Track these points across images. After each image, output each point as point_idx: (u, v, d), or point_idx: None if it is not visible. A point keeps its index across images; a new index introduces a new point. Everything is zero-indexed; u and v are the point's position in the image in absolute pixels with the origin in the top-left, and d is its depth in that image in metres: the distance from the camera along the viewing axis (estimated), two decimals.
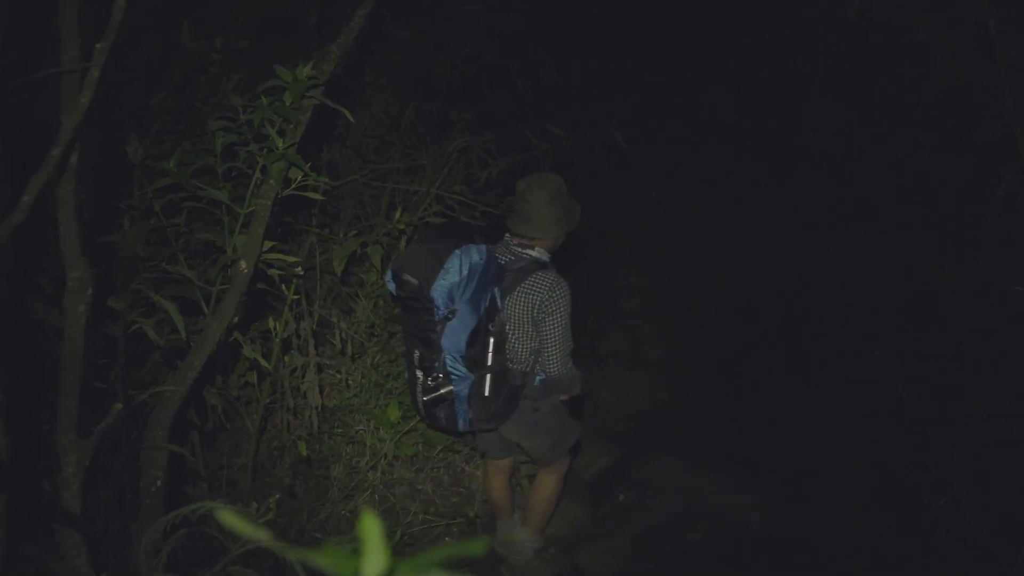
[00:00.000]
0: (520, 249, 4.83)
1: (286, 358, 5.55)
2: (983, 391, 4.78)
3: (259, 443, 5.41)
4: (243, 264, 3.92)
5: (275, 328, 5.03)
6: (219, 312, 3.90)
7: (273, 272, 4.38)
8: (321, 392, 5.88)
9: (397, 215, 6.05)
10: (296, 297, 5.16)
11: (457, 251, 4.53)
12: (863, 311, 6.76)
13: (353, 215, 6.52)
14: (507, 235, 4.92)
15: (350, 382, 6.18)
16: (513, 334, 4.80)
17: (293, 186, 4.21)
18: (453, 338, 4.60)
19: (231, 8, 5.88)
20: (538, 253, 4.81)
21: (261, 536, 0.89)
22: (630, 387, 7.81)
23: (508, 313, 4.77)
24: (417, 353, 4.71)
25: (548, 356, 4.76)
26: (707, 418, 7.38)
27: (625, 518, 5.67)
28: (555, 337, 4.71)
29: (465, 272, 4.52)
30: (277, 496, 3.61)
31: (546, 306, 4.65)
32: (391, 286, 4.74)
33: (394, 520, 5.62)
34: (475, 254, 4.56)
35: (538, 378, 4.91)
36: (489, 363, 4.65)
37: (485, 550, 0.91)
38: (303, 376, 5.71)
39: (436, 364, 4.67)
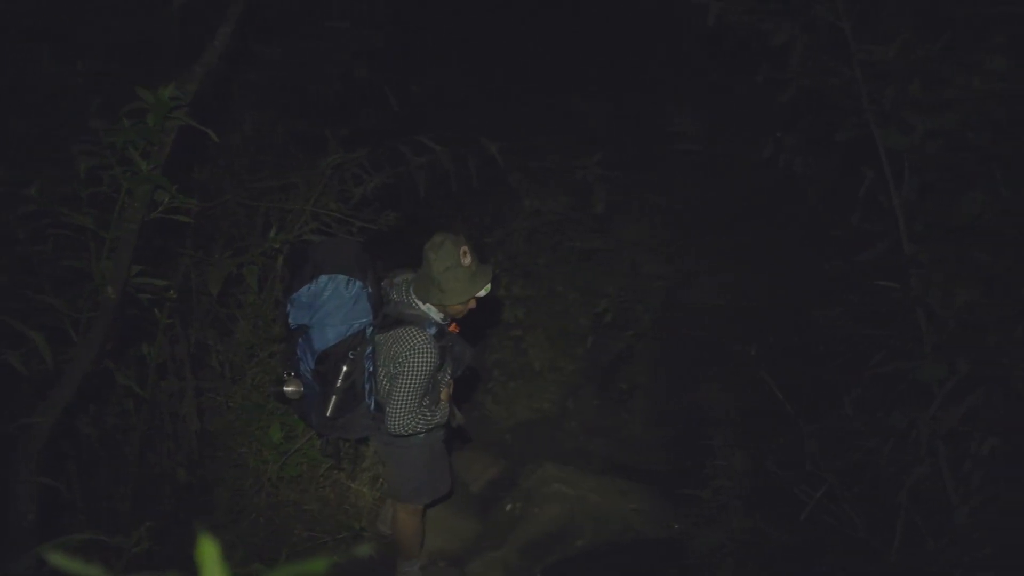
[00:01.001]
0: (415, 297, 4.76)
1: (163, 383, 5.47)
2: (853, 387, 4.90)
3: (139, 471, 5.32)
4: (110, 290, 3.86)
5: (149, 353, 4.95)
6: (87, 340, 3.83)
7: (144, 296, 4.31)
8: (201, 416, 5.81)
9: (272, 234, 6.00)
10: (169, 321, 5.09)
11: (326, 277, 4.62)
12: (739, 312, 6.89)
13: (228, 235, 6.44)
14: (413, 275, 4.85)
15: (231, 404, 6.09)
16: (379, 369, 4.78)
17: (160, 208, 4.15)
18: (306, 350, 4.73)
19: (93, 31, 5.77)
20: (427, 309, 4.74)
21: (91, 572, 0.88)
22: (515, 397, 7.84)
23: (376, 348, 4.75)
24: (287, 346, 4.89)
25: (389, 409, 4.67)
26: (590, 425, 7.45)
27: (513, 528, 5.69)
28: (398, 396, 4.63)
29: (325, 296, 4.63)
30: (149, 524, 3.55)
31: (400, 363, 4.59)
32: None
33: (280, 541, 5.56)
34: (343, 286, 4.64)
35: None
36: (338, 385, 4.69)
37: (325, 569, 0.91)
38: (181, 401, 5.63)
39: (290, 363, 4.83)
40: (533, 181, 8.86)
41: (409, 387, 4.61)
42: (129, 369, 5.03)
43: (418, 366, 4.58)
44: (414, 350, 4.57)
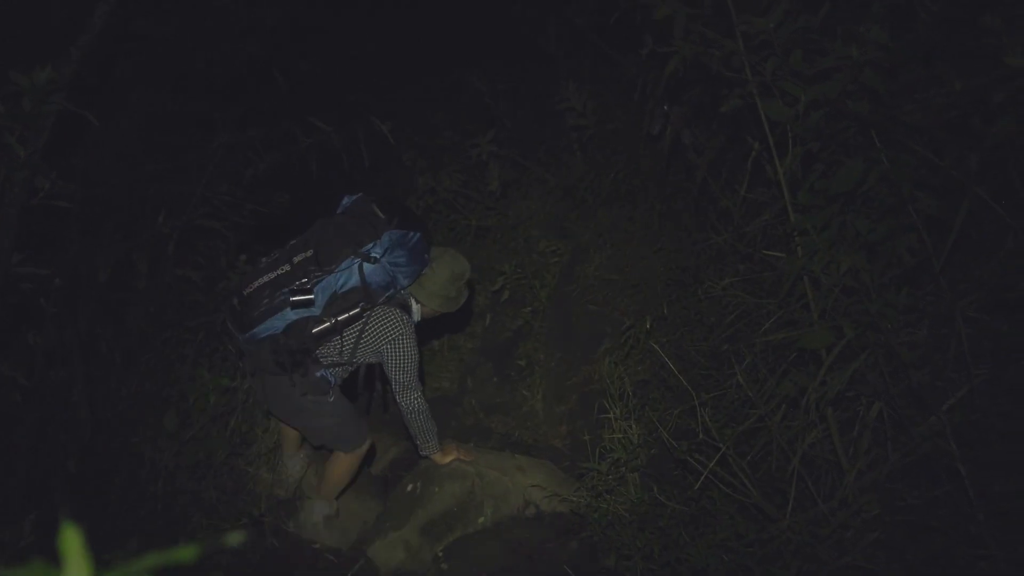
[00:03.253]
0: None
1: (51, 373, 5.35)
2: (744, 356, 4.97)
3: (30, 463, 5.21)
4: None
5: (36, 342, 4.85)
6: None
7: (26, 286, 4.22)
8: (93, 405, 5.70)
9: (161, 218, 5.90)
10: (56, 310, 4.99)
11: (354, 260, 4.94)
12: (633, 285, 6.94)
13: (116, 220, 6.31)
14: None
15: (123, 393, 5.99)
16: (344, 339, 5.13)
17: (41, 194, 4.07)
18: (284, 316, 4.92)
19: None
20: (413, 301, 5.33)
21: None
22: None
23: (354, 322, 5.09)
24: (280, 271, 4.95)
25: (395, 390, 5.25)
26: (489, 402, 7.47)
27: (414, 507, 5.68)
28: (397, 378, 5.20)
29: (353, 284, 4.95)
30: (33, 517, 3.49)
31: (391, 343, 5.12)
32: None
33: (177, 530, 5.49)
34: (367, 271, 4.95)
35: (319, 373, 5.10)
36: (340, 317, 4.95)
37: (195, 557, 0.90)
38: (71, 390, 5.52)
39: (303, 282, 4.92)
40: (427, 159, 8.84)
41: (402, 361, 5.15)
42: (15, 359, 4.93)
43: (410, 344, 5.15)
44: (403, 331, 5.11)
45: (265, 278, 4.92)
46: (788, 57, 4.12)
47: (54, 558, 0.87)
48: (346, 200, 5.19)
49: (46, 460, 5.44)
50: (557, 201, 8.25)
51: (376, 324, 5.07)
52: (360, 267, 4.92)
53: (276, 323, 4.91)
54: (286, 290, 4.86)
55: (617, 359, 6.12)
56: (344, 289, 4.93)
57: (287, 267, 4.92)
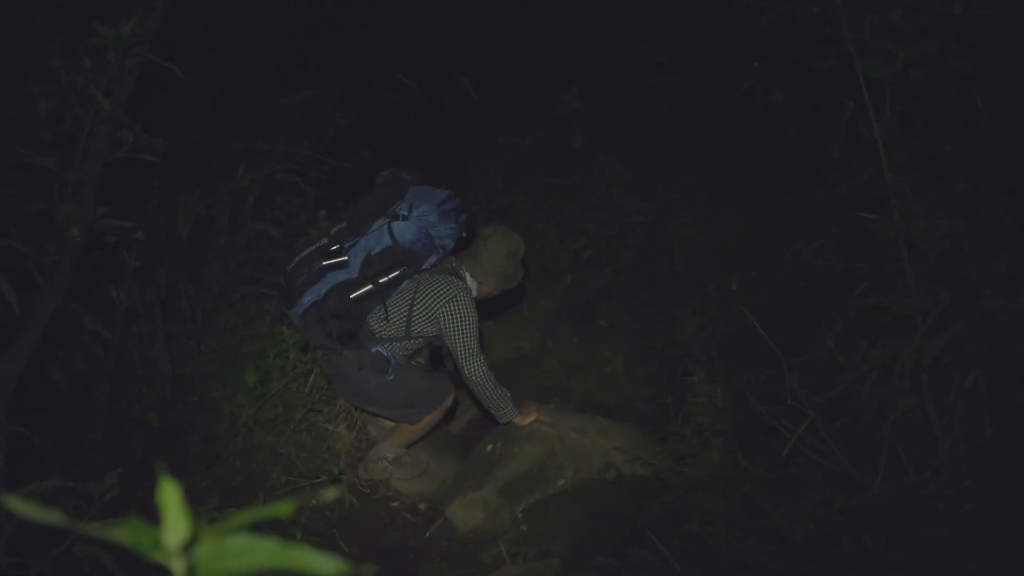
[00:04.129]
0: (457, 260, 5.39)
1: (132, 327, 5.37)
2: (835, 320, 4.83)
3: (110, 417, 5.23)
4: (75, 232, 3.76)
5: (118, 297, 4.86)
6: (52, 283, 3.74)
7: (110, 239, 4.21)
8: (172, 361, 5.71)
9: (241, 172, 5.88)
10: (138, 264, 4.99)
11: (383, 220, 5.10)
12: (719, 246, 6.81)
13: (196, 176, 6.30)
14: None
15: (203, 348, 6.00)
16: (393, 307, 5.18)
17: (124, 148, 4.04)
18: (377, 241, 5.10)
19: None
20: (468, 275, 5.36)
21: (52, 518, 0.84)
22: (493, 336, 7.76)
23: (402, 289, 5.18)
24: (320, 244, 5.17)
25: (458, 363, 5.26)
26: (569, 363, 7.39)
27: (493, 467, 5.63)
28: (458, 345, 5.18)
29: (385, 244, 5.06)
30: (119, 470, 3.47)
31: (441, 314, 5.15)
32: None
33: (256, 487, 5.49)
34: (397, 230, 5.07)
35: (374, 348, 5.19)
36: (381, 280, 5.06)
37: (291, 512, 0.88)
38: (151, 345, 5.54)
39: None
40: (508, 115, 8.74)
41: (461, 334, 5.16)
42: (97, 313, 4.94)
43: (467, 304, 5.17)
44: (457, 292, 5.16)
45: (305, 252, 5.10)
46: (887, 13, 3.97)
47: (140, 512, 0.87)
48: (381, 174, 5.32)
49: (127, 413, 5.47)
50: (642, 159, 8.10)
51: (427, 288, 5.14)
52: (389, 227, 5.04)
53: (319, 288, 5.03)
54: (321, 257, 5.04)
55: (702, 321, 6.01)
56: (377, 250, 5.05)
57: (324, 240, 5.11)
